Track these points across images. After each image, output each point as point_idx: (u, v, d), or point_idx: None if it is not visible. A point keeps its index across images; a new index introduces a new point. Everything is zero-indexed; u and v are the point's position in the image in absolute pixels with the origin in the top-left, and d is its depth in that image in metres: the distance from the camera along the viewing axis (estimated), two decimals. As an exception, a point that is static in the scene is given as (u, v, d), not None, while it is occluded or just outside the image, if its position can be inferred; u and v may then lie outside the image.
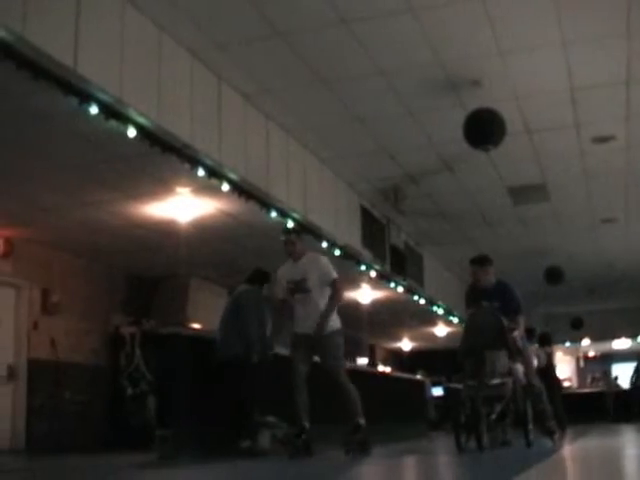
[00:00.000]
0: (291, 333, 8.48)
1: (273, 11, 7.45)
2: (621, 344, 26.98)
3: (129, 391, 13.75)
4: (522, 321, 8.60)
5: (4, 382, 12.05)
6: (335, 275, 8.36)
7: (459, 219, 14.38)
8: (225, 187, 9.29)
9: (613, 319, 23.77)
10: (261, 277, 9.61)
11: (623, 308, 23.19)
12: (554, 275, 17.04)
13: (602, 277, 19.60)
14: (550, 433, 9.29)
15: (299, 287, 8.36)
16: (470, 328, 8.39)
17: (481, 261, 8.88)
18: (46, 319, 12.74)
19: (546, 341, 14.81)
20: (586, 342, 26.60)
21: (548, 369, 14.18)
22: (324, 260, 8.51)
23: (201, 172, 8.79)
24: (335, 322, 8.46)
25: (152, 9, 7.37)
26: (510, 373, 8.12)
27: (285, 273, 8.55)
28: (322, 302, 8.30)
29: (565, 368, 28.38)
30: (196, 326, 13.66)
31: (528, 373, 8.78)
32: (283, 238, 8.48)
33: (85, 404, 13.24)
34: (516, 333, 8.28)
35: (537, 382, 9.17)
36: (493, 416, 8.00)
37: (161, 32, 7.71)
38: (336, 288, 8.37)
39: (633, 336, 25.52)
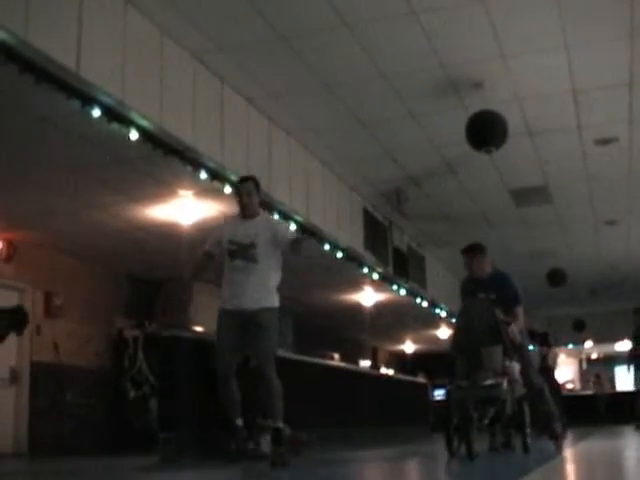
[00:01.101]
0: (219, 310, 7.08)
1: (276, 14, 7.46)
2: (624, 346, 26.93)
3: (132, 394, 13.76)
4: (521, 313, 7.99)
5: (7, 385, 12.06)
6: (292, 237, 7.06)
7: (461, 221, 14.37)
8: (228, 190, 9.29)
9: (615, 321, 23.72)
10: None
11: (626, 310, 23.10)
12: (557, 277, 17.03)
13: (605, 279, 19.59)
14: (554, 436, 8.69)
15: (243, 252, 6.87)
16: (462, 323, 7.70)
17: (473, 250, 8.29)
18: (49, 322, 12.75)
19: (543, 341, 14.79)
20: (589, 344, 26.58)
21: (545, 370, 14.11)
22: (281, 224, 7.40)
23: (204, 175, 8.80)
24: (275, 298, 6.98)
25: (155, 12, 7.38)
26: (505, 372, 7.37)
27: (228, 230, 7.10)
28: (272, 275, 6.93)
29: (567, 370, 28.36)
30: (199, 329, 13.65)
31: (527, 371, 8.17)
32: (236, 188, 7.25)
33: (88, 407, 13.25)
34: (513, 327, 7.60)
35: (538, 380, 8.62)
36: (486, 420, 7.35)
37: (164, 35, 7.72)
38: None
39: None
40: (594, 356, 31.09)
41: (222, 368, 6.99)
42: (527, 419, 7.78)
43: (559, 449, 8.58)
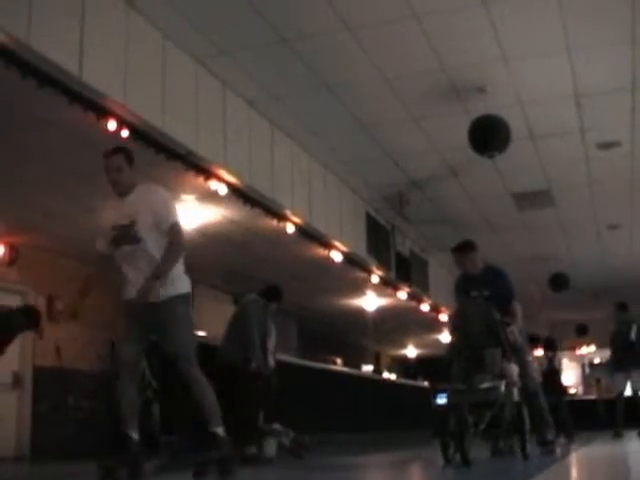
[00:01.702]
0: (120, 301, 6.23)
1: (277, 17, 7.46)
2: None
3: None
4: (518, 309, 7.78)
5: (9, 389, 12.05)
6: (174, 218, 5.92)
7: (464, 225, 14.36)
8: (230, 194, 9.29)
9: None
10: (272, 293, 9.63)
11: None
12: (559, 281, 17.01)
13: (607, 283, 19.55)
14: (543, 443, 8.38)
15: (125, 235, 6.00)
16: (458, 324, 7.54)
17: (463, 248, 8.10)
18: (51, 326, 12.71)
19: (549, 346, 14.76)
20: (592, 348, 26.54)
21: (551, 374, 14.12)
22: (160, 194, 6.13)
23: (206, 179, 8.80)
24: (178, 284, 5.98)
25: (156, 16, 7.38)
26: (503, 374, 7.14)
27: (108, 217, 6.32)
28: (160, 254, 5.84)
29: (570, 375, 28.30)
30: (201, 333, 13.64)
31: (524, 372, 7.86)
32: (106, 162, 6.30)
33: (90, 411, 13.23)
34: (513, 328, 7.39)
35: (533, 383, 8.33)
36: (482, 425, 6.97)
37: (165, 38, 7.73)
38: (173, 232, 5.84)
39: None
40: (597, 361, 31.04)
41: (120, 361, 6.04)
42: (527, 424, 7.58)
43: (550, 455, 8.25)
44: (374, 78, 8.66)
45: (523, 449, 7.46)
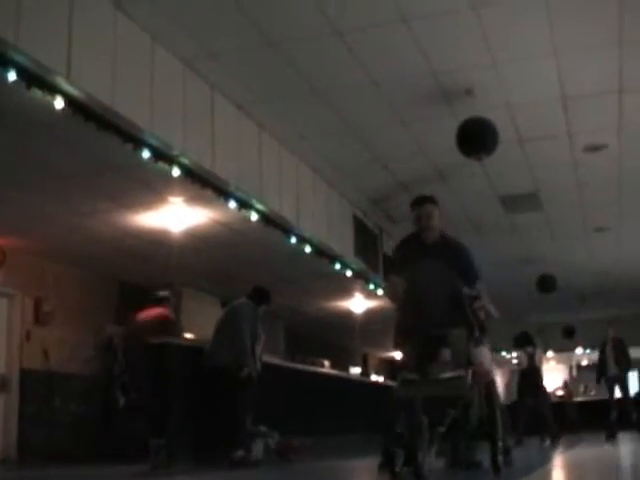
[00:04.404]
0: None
1: (266, 21, 7.46)
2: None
3: (122, 401, 13.70)
4: (484, 290, 6.18)
5: (-4, 392, 12.03)
6: None
7: (452, 228, 14.31)
8: (218, 197, 9.29)
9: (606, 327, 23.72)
10: (260, 294, 9.65)
11: (616, 316, 23.16)
12: (547, 283, 17.02)
13: (595, 285, 19.60)
14: (507, 450, 6.84)
15: None
16: (409, 297, 5.69)
17: (425, 199, 6.42)
18: (39, 329, 12.71)
19: (526, 341, 14.54)
20: (579, 351, 26.60)
21: (531, 372, 14.03)
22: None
23: (194, 181, 8.79)
24: None
25: (145, 18, 7.37)
26: (470, 362, 5.43)
27: None
28: None
29: (558, 377, 28.34)
30: (189, 336, 13.63)
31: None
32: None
33: (78, 414, 13.21)
34: (480, 303, 5.89)
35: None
36: (442, 428, 5.38)
37: (154, 41, 7.72)
38: None
39: (627, 344, 25.49)
40: (584, 363, 31.11)
41: None
42: (499, 427, 6.00)
43: (509, 467, 6.71)
44: (362, 81, 8.66)
45: (494, 460, 5.84)
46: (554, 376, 26.19)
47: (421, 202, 6.35)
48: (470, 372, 5.36)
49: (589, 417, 20.28)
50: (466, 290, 5.80)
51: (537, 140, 10.46)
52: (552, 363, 28.16)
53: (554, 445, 12.86)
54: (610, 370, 14.75)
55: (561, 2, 7.25)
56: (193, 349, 10.19)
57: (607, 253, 16.87)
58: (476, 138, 8.72)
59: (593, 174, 11.79)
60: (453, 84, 8.78)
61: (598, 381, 15.32)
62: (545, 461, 8.57)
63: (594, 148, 10.74)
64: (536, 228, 14.73)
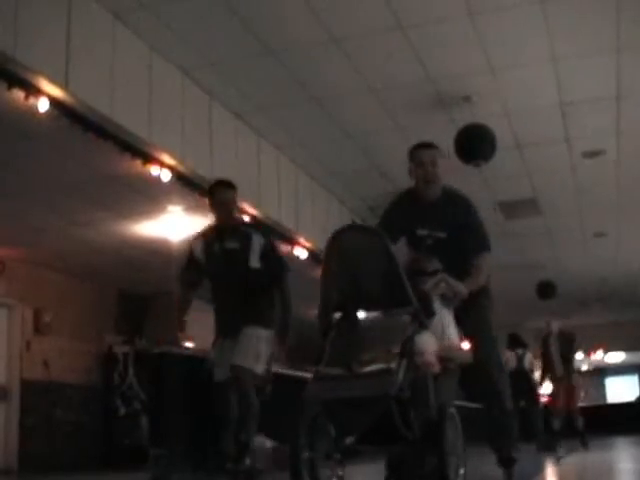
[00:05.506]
0: None
1: (264, 29, 7.47)
2: (615, 358, 26.98)
3: (122, 410, 13.72)
4: (485, 266, 5.05)
5: (-3, 403, 12.02)
6: None
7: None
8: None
9: (606, 333, 23.72)
10: None
11: (616, 322, 23.19)
12: (546, 289, 16.98)
13: (594, 291, 19.59)
14: (507, 461, 5.35)
15: None
16: (333, 269, 4.28)
17: (429, 146, 5.38)
18: (39, 339, 12.71)
19: (516, 343, 14.29)
20: (579, 356, 26.58)
21: (520, 374, 13.52)
22: None
23: (193, 191, 8.80)
24: None
25: (143, 28, 7.38)
26: (406, 352, 4.02)
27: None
28: None
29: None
30: (189, 345, 13.62)
31: (482, 356, 5.01)
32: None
33: (78, 424, 13.20)
34: (440, 278, 4.53)
35: (500, 376, 5.34)
36: (351, 436, 4.07)
37: (152, 50, 7.72)
38: None
39: (627, 349, 25.50)
40: (584, 368, 31.11)
41: None
42: (448, 438, 4.14)
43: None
44: (360, 89, 8.68)
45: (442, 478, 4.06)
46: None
47: (422, 146, 5.36)
48: (404, 364, 3.97)
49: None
50: (426, 264, 4.63)
51: (535, 146, 10.47)
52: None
53: (539, 451, 12.33)
54: (555, 371, 13.35)
55: (558, 8, 7.25)
56: (193, 358, 10.17)
57: (606, 258, 16.86)
58: (475, 144, 8.72)
59: (592, 180, 11.79)
60: (451, 91, 8.79)
61: (541, 383, 14.33)
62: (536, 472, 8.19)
63: (592, 154, 10.75)
64: (535, 234, 14.73)
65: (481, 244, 5.13)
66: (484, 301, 5.17)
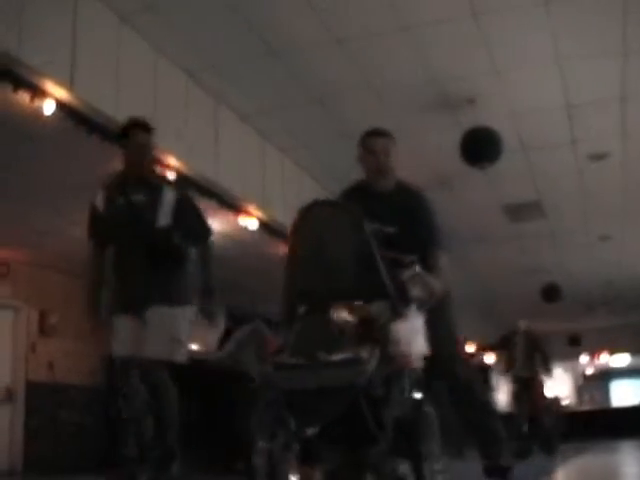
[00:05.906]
0: None
1: (268, 31, 7.48)
2: (620, 361, 26.93)
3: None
4: (443, 264, 4.53)
5: (2, 404, 12.02)
6: None
7: (455, 237, 14.33)
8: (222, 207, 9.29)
9: (612, 336, 23.69)
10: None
11: (622, 325, 23.16)
12: (551, 292, 16.97)
13: (600, 294, 19.57)
14: (495, 469, 5.03)
15: None
16: (302, 251, 3.89)
17: (382, 133, 5.32)
18: (44, 341, 12.72)
19: (506, 344, 13.62)
20: (584, 359, 26.56)
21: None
22: None
23: (196, 192, 8.80)
24: None
25: (148, 30, 7.39)
26: (380, 340, 3.59)
27: None
28: None
29: (563, 386, 28.31)
30: (193, 346, 13.63)
31: (447, 353, 4.89)
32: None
33: (83, 425, 13.20)
34: (416, 272, 4.04)
35: (472, 374, 5.36)
36: (309, 429, 3.52)
37: (157, 53, 7.74)
38: None
39: (633, 352, 25.47)
40: (589, 371, 31.06)
41: None
42: (426, 438, 3.81)
43: None
44: (365, 91, 8.68)
45: None
46: (559, 385, 26.12)
47: (375, 134, 5.18)
48: (377, 354, 3.52)
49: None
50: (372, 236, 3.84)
51: (540, 149, 10.46)
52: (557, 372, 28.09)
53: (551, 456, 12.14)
54: (519, 370, 12.82)
55: (564, 10, 7.25)
56: (196, 359, 10.17)
57: (611, 261, 16.82)
58: (482, 146, 8.72)
59: (596, 182, 11.77)
60: (456, 93, 8.78)
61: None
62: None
63: (598, 156, 10.73)
64: (540, 237, 14.70)
65: (433, 241, 4.64)
66: (445, 299, 4.66)
